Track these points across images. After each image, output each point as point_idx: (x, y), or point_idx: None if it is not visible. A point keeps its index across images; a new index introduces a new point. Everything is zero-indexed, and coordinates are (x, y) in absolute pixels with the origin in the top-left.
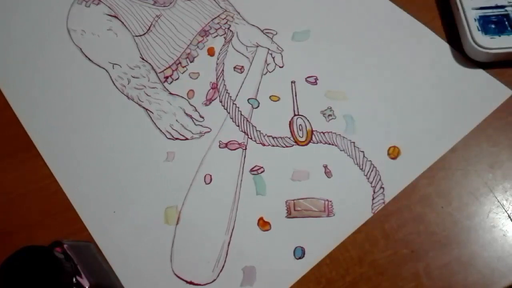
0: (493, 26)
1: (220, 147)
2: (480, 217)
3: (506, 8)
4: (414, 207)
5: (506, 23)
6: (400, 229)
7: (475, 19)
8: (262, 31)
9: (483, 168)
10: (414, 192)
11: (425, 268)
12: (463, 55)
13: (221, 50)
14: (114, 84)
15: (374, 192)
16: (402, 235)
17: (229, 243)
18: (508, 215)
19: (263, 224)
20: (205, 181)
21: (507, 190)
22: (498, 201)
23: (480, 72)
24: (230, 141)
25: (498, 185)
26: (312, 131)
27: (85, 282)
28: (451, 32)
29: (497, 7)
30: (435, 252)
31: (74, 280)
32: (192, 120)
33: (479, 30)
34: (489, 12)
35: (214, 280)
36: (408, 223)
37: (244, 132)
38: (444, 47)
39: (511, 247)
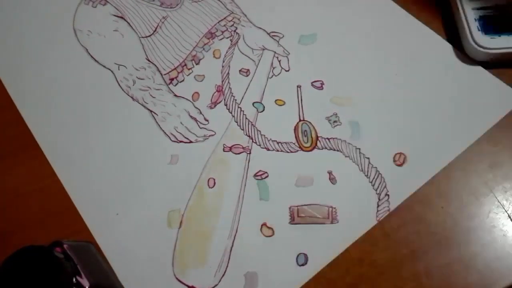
0: (493, 26)
1: (224, 151)
2: (480, 217)
3: (506, 8)
4: (414, 207)
5: (506, 23)
6: (400, 229)
7: (475, 19)
8: (268, 34)
9: (483, 168)
10: (414, 192)
11: (425, 268)
12: (469, 58)
13: (227, 52)
14: (119, 85)
15: (379, 199)
16: (402, 235)
17: (231, 248)
18: (508, 215)
19: (266, 229)
20: (208, 185)
21: (507, 190)
22: (498, 201)
23: (489, 76)
24: (234, 144)
25: (498, 185)
26: (317, 137)
27: (85, 282)
28: (451, 32)
29: (497, 7)
30: (435, 252)
31: (74, 280)
32: (197, 123)
33: (479, 30)
34: (489, 12)
35: (216, 285)
36: (408, 223)
37: (249, 136)
38: (450, 51)
39: (511, 248)
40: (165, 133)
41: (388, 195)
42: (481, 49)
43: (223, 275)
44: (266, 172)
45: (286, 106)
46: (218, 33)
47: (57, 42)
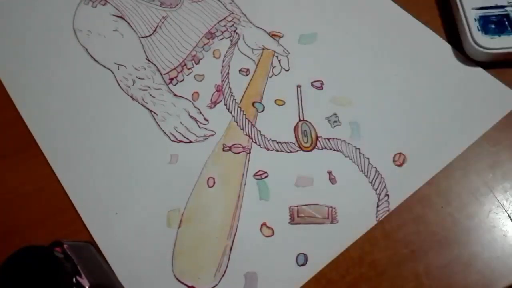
0: (493, 26)
1: (224, 150)
2: (480, 217)
3: (506, 8)
4: (414, 207)
5: (506, 23)
6: (400, 229)
7: (475, 19)
8: (268, 33)
9: (483, 168)
10: (414, 192)
11: (425, 268)
12: (468, 59)
13: (226, 52)
14: (119, 85)
15: (378, 199)
16: (402, 235)
17: (231, 248)
18: (508, 215)
19: (266, 229)
20: (208, 184)
21: (507, 190)
22: (498, 201)
23: (488, 77)
24: (234, 144)
25: (498, 185)
26: (317, 137)
27: (85, 282)
28: (451, 32)
29: (497, 7)
30: (435, 252)
31: (74, 280)
32: (197, 123)
33: (479, 30)
34: (489, 12)
35: (216, 285)
36: (408, 223)
37: (249, 136)
38: (449, 52)
39: (511, 248)
40: (165, 133)
41: (388, 195)
42: (481, 49)
43: (223, 275)
44: (266, 172)
45: (286, 106)
46: (218, 33)
47: (57, 42)
